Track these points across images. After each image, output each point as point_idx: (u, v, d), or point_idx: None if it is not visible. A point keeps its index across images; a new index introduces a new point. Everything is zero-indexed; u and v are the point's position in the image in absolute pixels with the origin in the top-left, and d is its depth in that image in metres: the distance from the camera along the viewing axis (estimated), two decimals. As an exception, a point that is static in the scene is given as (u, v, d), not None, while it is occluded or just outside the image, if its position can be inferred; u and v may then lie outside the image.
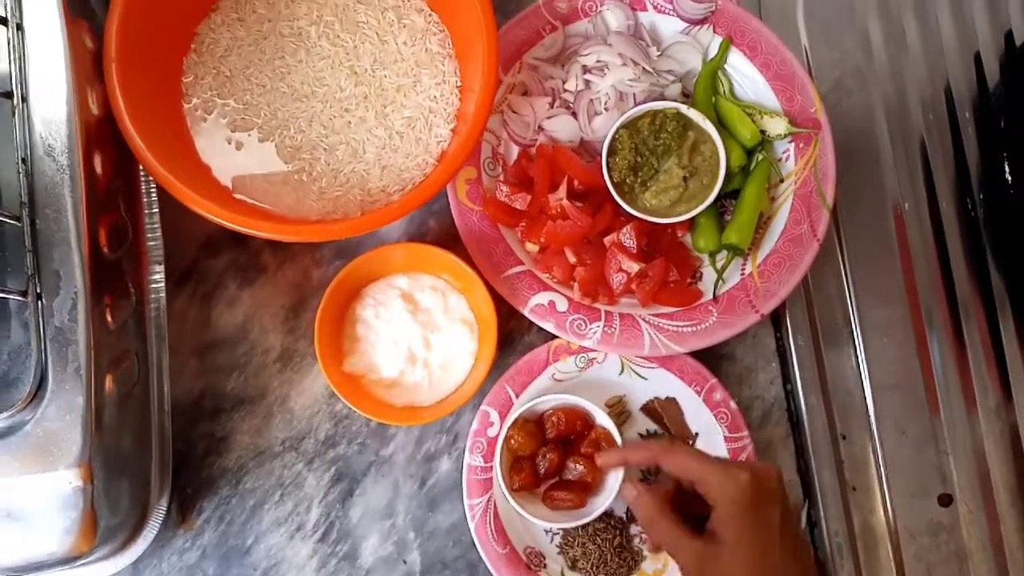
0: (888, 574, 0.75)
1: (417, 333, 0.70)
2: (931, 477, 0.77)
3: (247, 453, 0.71)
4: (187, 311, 0.72)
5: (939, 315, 0.80)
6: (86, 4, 0.63)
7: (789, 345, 0.77)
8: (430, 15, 0.72)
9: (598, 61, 0.74)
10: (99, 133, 0.60)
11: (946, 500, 0.77)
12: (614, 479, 0.68)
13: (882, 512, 0.76)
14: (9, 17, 0.57)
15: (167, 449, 0.65)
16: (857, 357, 0.78)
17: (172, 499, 0.66)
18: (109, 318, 0.59)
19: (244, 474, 0.71)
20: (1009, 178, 0.80)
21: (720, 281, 0.73)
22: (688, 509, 0.59)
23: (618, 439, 0.68)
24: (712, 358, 0.74)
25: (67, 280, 0.55)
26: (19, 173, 0.56)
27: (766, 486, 0.56)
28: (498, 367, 0.72)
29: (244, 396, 0.72)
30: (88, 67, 0.60)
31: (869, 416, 0.78)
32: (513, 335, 0.75)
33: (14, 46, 0.57)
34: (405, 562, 0.71)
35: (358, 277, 0.70)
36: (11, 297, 0.54)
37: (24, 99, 0.57)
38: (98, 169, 0.59)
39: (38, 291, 0.55)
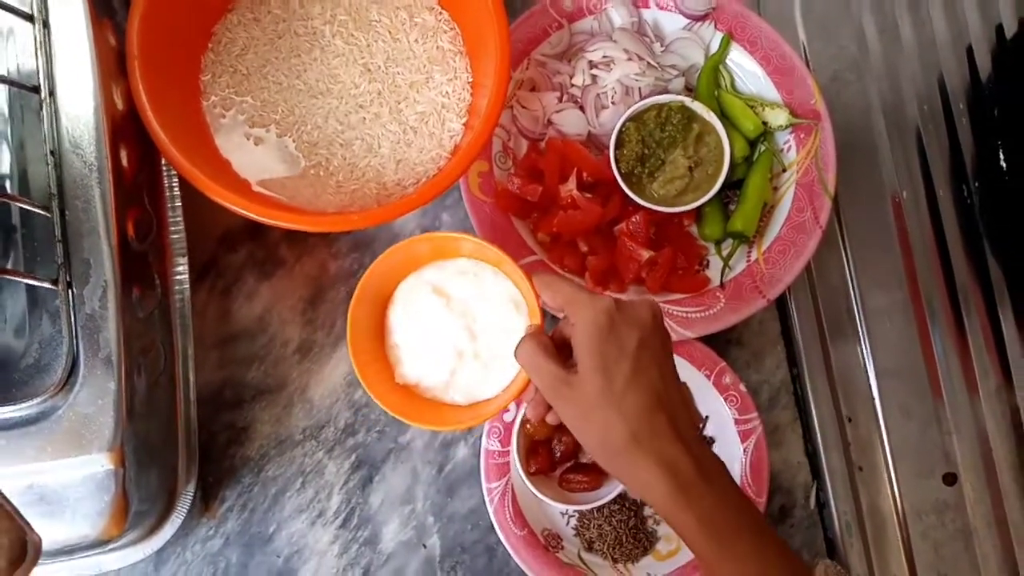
0: (896, 552, 0.77)
1: (458, 326, 0.65)
2: (935, 457, 0.79)
3: (268, 442, 0.73)
4: (207, 304, 0.74)
5: (939, 300, 0.82)
6: (108, 3, 0.64)
7: (795, 330, 0.79)
8: (440, 13, 0.74)
9: (604, 57, 0.76)
10: (124, 128, 0.61)
11: (950, 479, 0.79)
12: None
13: (889, 492, 0.78)
14: (36, 15, 0.59)
15: (193, 437, 0.66)
16: (861, 341, 0.80)
17: (196, 487, 0.67)
18: (138, 308, 0.60)
19: (266, 463, 0.72)
20: (1004, 165, 0.83)
21: (727, 268, 0.75)
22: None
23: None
24: (720, 343, 0.76)
25: (96, 269, 0.57)
26: (48, 165, 0.57)
27: (631, 313, 0.52)
28: (512, 355, 0.73)
29: (264, 387, 0.73)
30: (112, 63, 0.62)
31: (874, 399, 0.79)
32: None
33: (41, 42, 0.59)
34: (425, 546, 0.72)
35: (380, 283, 0.66)
36: (42, 285, 0.55)
37: (52, 94, 0.58)
38: (124, 162, 0.61)
39: (68, 279, 0.56)
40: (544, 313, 0.63)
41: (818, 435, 0.77)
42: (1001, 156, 0.83)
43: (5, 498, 0.44)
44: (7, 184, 0.62)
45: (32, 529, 0.45)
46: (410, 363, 0.66)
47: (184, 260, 0.67)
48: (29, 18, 0.59)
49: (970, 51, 0.86)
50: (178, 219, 0.67)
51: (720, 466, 0.51)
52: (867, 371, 0.80)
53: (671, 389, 0.52)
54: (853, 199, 0.82)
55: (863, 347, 0.80)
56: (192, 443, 0.67)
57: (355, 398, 0.74)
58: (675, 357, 0.73)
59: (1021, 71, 0.84)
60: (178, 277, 0.67)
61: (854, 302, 0.81)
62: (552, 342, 0.55)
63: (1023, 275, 0.82)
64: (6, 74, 0.60)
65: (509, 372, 0.65)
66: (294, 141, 0.71)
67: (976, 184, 0.84)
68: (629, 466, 0.50)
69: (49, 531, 0.55)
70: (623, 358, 0.51)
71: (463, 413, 0.65)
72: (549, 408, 0.57)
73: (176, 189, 0.67)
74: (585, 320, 0.52)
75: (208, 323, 0.73)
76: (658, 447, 0.49)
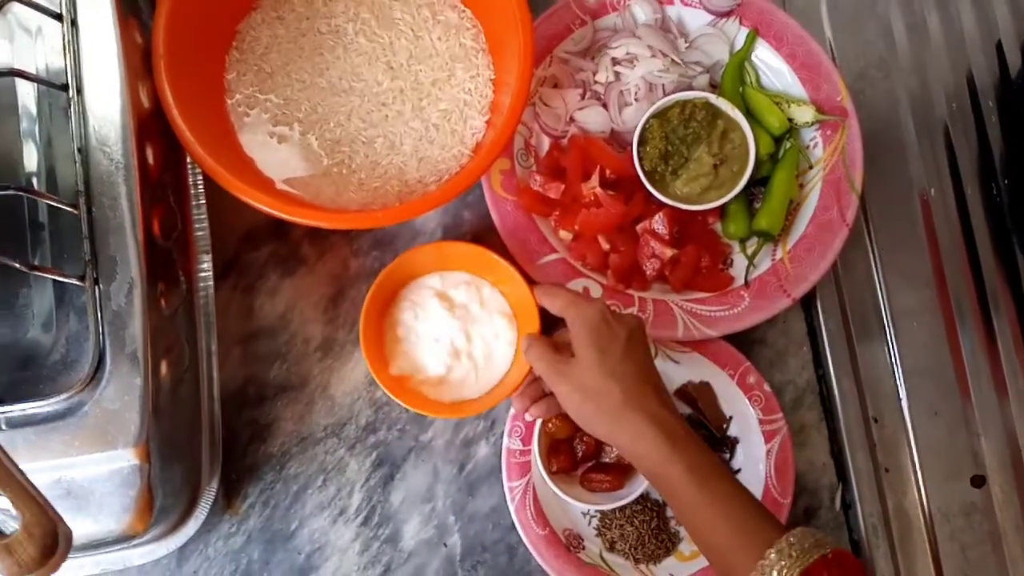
0: (923, 555, 0.76)
1: (456, 327, 0.70)
2: (963, 459, 0.78)
3: (290, 440, 0.73)
4: (230, 302, 0.74)
5: (967, 299, 0.81)
6: (135, 2, 0.65)
7: (820, 330, 0.78)
8: (463, 11, 0.74)
9: (627, 53, 0.76)
10: (150, 126, 0.62)
11: (979, 481, 0.78)
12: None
13: (915, 494, 0.77)
14: (65, 13, 0.59)
15: (216, 434, 0.67)
16: (888, 341, 0.79)
17: (219, 484, 0.68)
18: (163, 304, 0.60)
19: (288, 460, 0.73)
20: (1034, 163, 0.82)
21: (751, 266, 0.74)
22: None
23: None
24: (744, 343, 0.75)
25: (123, 266, 0.57)
26: (75, 163, 0.58)
27: (621, 317, 0.62)
28: (534, 353, 0.73)
29: (287, 384, 0.74)
30: (138, 62, 0.62)
31: (900, 399, 0.78)
32: (549, 322, 0.75)
33: (69, 41, 0.59)
34: (446, 545, 0.72)
35: (393, 280, 0.71)
36: (70, 282, 0.56)
37: (79, 92, 0.59)
38: (150, 160, 0.61)
39: (95, 276, 0.57)
40: (542, 322, 0.69)
41: (844, 436, 0.77)
42: (1031, 153, 0.82)
43: (37, 490, 0.45)
44: (35, 181, 0.63)
45: (63, 521, 0.46)
46: (408, 357, 0.71)
47: (208, 257, 0.67)
48: (58, 17, 0.59)
49: (999, 47, 0.85)
50: (203, 216, 0.67)
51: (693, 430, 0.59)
52: (894, 371, 0.79)
53: (654, 371, 0.62)
54: (880, 197, 0.81)
55: (890, 347, 0.79)
56: (215, 440, 0.67)
57: (376, 396, 0.74)
58: (697, 356, 0.74)
59: (1052, 67, 0.83)
60: (202, 274, 0.67)
61: (881, 301, 0.80)
62: (552, 342, 0.65)
63: (1054, 274, 0.81)
64: (35, 72, 0.61)
65: (496, 376, 0.71)
66: (316, 139, 0.71)
67: (1005, 182, 0.83)
68: (621, 422, 0.58)
69: (76, 525, 0.55)
70: (615, 342, 0.60)
71: (449, 408, 0.70)
72: (533, 400, 0.67)
73: (201, 187, 0.68)
74: (582, 316, 0.61)
75: (231, 320, 0.74)
76: (647, 405, 0.58)
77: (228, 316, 0.74)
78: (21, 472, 0.46)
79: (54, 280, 0.58)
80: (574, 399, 0.60)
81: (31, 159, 0.62)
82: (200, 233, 0.67)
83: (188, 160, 0.67)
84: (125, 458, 0.56)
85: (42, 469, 0.55)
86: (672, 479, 0.56)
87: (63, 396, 0.55)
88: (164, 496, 0.60)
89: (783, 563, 0.51)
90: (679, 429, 0.57)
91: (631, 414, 0.57)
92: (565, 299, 0.63)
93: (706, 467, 0.56)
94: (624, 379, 0.58)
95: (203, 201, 0.67)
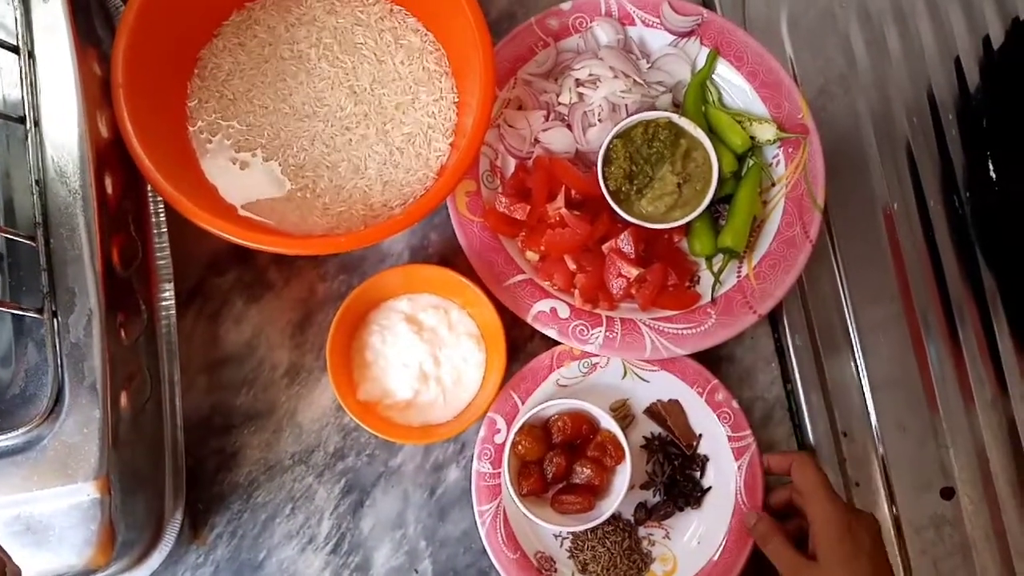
0: (895, 568, 0.75)
1: (425, 351, 0.71)
2: (932, 471, 0.78)
3: (257, 468, 0.72)
4: (195, 329, 0.74)
5: (933, 312, 0.82)
6: (93, 32, 0.65)
7: (788, 345, 0.79)
8: (426, 35, 0.75)
9: (590, 75, 0.77)
10: (109, 155, 0.61)
11: (948, 493, 0.78)
12: (620, 482, 0.69)
13: (886, 507, 0.77)
14: (21, 46, 0.59)
15: (180, 463, 0.66)
16: (855, 355, 0.80)
17: (185, 515, 0.67)
18: (123, 335, 0.60)
19: (255, 488, 0.72)
20: (993, 175, 0.82)
21: (717, 284, 0.74)
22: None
23: (624, 442, 0.69)
24: (712, 360, 0.75)
25: (81, 297, 0.57)
26: (33, 194, 0.57)
27: (861, 518, 0.64)
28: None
29: (253, 411, 0.73)
30: (97, 92, 0.62)
31: (869, 413, 0.79)
32: (517, 343, 0.76)
33: (26, 73, 0.59)
34: (417, 571, 0.72)
35: (361, 304, 0.71)
36: (27, 315, 0.55)
37: (36, 124, 0.59)
38: (108, 190, 0.61)
39: (53, 308, 0.56)
40: (508, 351, 0.70)
41: (813, 451, 0.77)
42: (991, 166, 0.83)
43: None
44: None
45: (11, 559, 0.45)
46: (376, 382, 0.71)
47: (170, 286, 0.67)
48: (15, 49, 0.59)
49: (958, 62, 0.86)
50: (164, 244, 0.67)
51: None
52: (862, 385, 0.79)
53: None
54: (844, 212, 0.82)
55: (857, 361, 0.80)
56: (180, 469, 0.66)
57: (344, 422, 0.73)
58: (666, 374, 0.74)
59: (1009, 81, 0.84)
60: (164, 303, 0.67)
61: (847, 315, 0.80)
62: (783, 527, 0.68)
63: (1016, 285, 0.82)
64: (-8, 104, 0.61)
65: (463, 400, 0.71)
66: (280, 165, 0.71)
67: (967, 194, 0.84)
68: None
69: (36, 561, 0.55)
70: (861, 555, 0.61)
71: (417, 432, 0.70)
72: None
73: (162, 215, 0.67)
74: (826, 514, 0.63)
75: (196, 348, 0.73)
76: None
77: (193, 343, 0.73)
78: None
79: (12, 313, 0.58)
80: None
81: (-11, 190, 0.62)
82: (162, 261, 0.67)
83: (149, 188, 0.67)
84: (85, 491, 0.55)
85: (1, 504, 0.54)
86: None
87: (22, 430, 0.54)
88: (127, 528, 0.59)
89: None
90: None
91: None
92: (819, 486, 0.65)
93: None
94: None
95: (164, 229, 0.67)
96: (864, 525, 0.63)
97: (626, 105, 0.76)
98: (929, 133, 0.85)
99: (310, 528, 0.72)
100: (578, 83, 0.77)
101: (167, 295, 0.67)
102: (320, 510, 0.72)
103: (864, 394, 0.79)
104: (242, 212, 0.69)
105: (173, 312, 0.67)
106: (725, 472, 0.73)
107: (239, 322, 0.74)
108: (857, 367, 0.80)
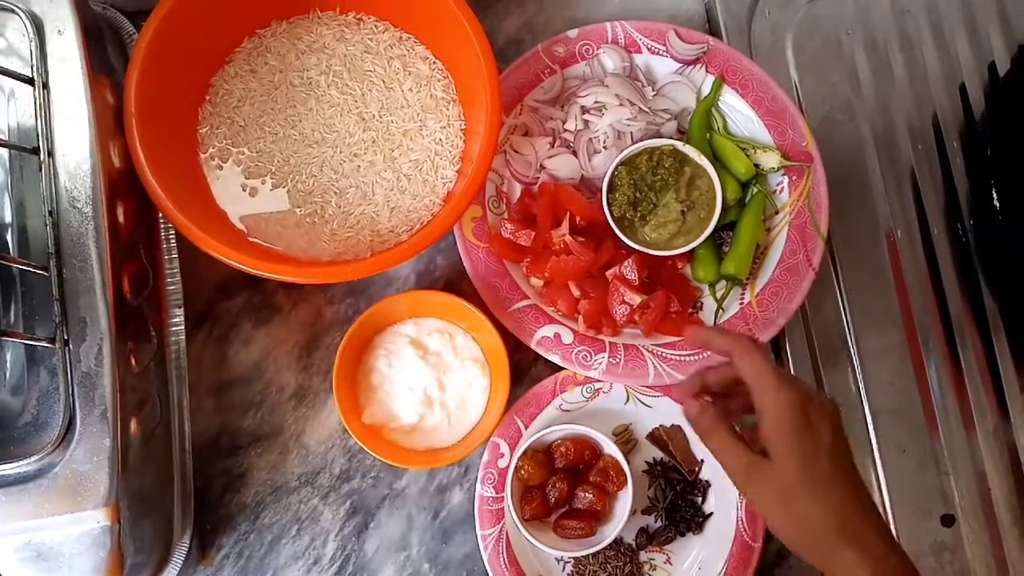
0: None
1: (430, 376, 0.72)
2: (933, 498, 0.79)
3: (264, 489, 0.73)
4: (203, 352, 0.75)
5: (935, 339, 0.82)
6: (107, 61, 0.66)
7: (790, 371, 0.79)
8: (434, 63, 0.75)
9: (596, 102, 0.77)
10: (121, 184, 0.62)
11: (949, 520, 0.79)
12: (622, 508, 0.70)
13: (886, 533, 0.78)
14: (36, 77, 0.60)
15: (188, 487, 0.67)
16: (856, 382, 0.80)
17: (192, 536, 0.68)
18: (133, 362, 0.61)
19: (261, 510, 0.73)
20: (997, 204, 0.83)
21: (720, 310, 0.75)
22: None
23: (626, 468, 0.70)
24: (715, 386, 0.76)
25: (93, 326, 0.58)
26: (46, 225, 0.58)
27: (822, 405, 0.55)
28: (506, 399, 0.74)
29: (260, 433, 0.74)
30: (110, 122, 0.63)
31: (870, 439, 0.79)
32: (520, 368, 0.77)
33: (40, 104, 0.60)
34: (420, 593, 0.73)
35: (367, 328, 0.72)
36: (40, 344, 0.56)
37: (50, 154, 0.60)
38: (121, 219, 0.62)
39: (66, 338, 0.57)
40: (512, 376, 0.71)
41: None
42: (995, 194, 0.83)
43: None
44: (8, 240, 0.64)
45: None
46: (382, 405, 0.72)
47: (180, 311, 0.68)
48: (29, 81, 0.60)
49: (963, 89, 0.86)
50: (175, 271, 0.68)
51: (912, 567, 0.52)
52: (863, 411, 0.80)
53: (863, 489, 0.54)
54: (848, 238, 0.82)
55: (859, 386, 0.80)
56: (188, 492, 0.67)
57: (350, 444, 0.74)
58: (669, 400, 0.74)
59: (1014, 109, 0.84)
60: (174, 328, 0.68)
61: (849, 341, 0.81)
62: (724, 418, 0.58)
63: (1019, 313, 0.82)
64: (7, 133, 0.62)
65: (467, 425, 0.72)
66: (289, 190, 0.72)
67: (971, 222, 0.84)
68: (833, 559, 0.51)
69: None
70: (821, 451, 0.53)
71: (421, 457, 0.71)
72: (695, 395, 0.60)
73: (173, 241, 0.69)
74: (777, 407, 0.53)
75: (205, 370, 0.74)
76: (866, 542, 0.51)
77: (202, 366, 0.74)
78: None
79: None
80: (773, 512, 0.53)
81: (4, 218, 0.62)
82: (172, 287, 0.68)
83: (160, 215, 0.68)
84: (95, 519, 0.56)
85: (12, 532, 0.55)
86: None
87: (33, 458, 0.55)
88: (135, 553, 0.60)
89: None
90: (901, 570, 0.50)
91: (849, 553, 0.50)
92: (767, 372, 0.55)
93: None
94: (835, 506, 0.51)
95: (175, 255, 0.68)
96: (823, 413, 0.54)
97: (631, 132, 0.77)
98: (934, 160, 0.85)
99: (315, 549, 0.73)
100: (584, 110, 0.78)
101: (177, 320, 0.68)
102: (325, 531, 0.73)
103: (865, 419, 0.80)
104: (251, 239, 0.70)
105: (183, 337, 0.68)
106: (727, 498, 0.73)
107: (247, 344, 0.75)
108: (859, 392, 0.80)
